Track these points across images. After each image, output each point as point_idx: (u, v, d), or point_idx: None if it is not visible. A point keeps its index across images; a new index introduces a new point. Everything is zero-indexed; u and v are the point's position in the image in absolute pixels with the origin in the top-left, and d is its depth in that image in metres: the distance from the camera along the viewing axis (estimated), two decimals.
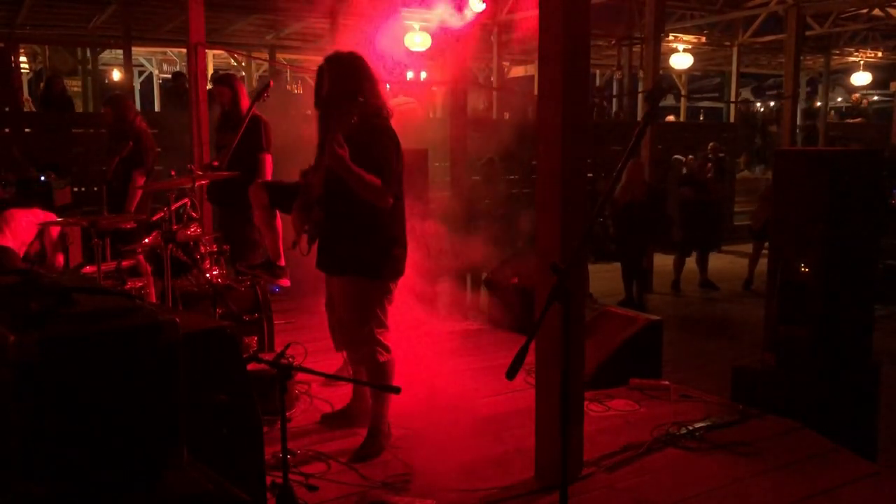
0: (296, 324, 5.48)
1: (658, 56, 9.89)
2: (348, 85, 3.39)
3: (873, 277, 4.51)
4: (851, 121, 18.18)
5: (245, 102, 5.56)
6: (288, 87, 12.46)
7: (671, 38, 14.63)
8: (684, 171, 10.68)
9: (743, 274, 9.42)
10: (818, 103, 18.47)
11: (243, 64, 15.36)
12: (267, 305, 4.67)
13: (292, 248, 3.65)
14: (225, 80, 5.87)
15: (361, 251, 3.46)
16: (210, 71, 11.02)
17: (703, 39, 15.59)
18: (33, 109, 11.56)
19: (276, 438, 3.01)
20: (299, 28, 12.79)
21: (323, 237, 3.55)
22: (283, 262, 4.64)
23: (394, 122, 3.55)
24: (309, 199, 3.56)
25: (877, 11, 13.55)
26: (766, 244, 7.16)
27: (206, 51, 6.98)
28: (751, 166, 17.28)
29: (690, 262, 9.23)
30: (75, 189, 7.22)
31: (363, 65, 3.46)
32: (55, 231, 5.43)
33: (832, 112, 17.68)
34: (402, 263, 3.59)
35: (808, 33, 13.18)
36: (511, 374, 2.11)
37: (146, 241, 4.59)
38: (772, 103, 21.66)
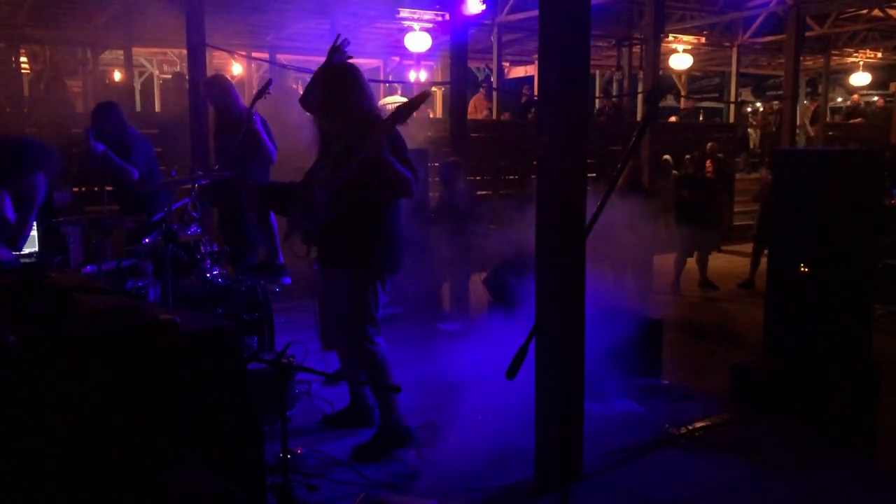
0: (296, 323, 5.47)
1: (658, 56, 9.88)
2: (343, 97, 3.53)
3: (873, 277, 4.52)
4: (851, 121, 18.15)
5: (239, 102, 5.53)
6: (290, 85, 12.43)
7: (671, 38, 14.62)
8: (674, 172, 10.60)
9: (743, 274, 9.41)
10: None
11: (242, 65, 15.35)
12: (267, 305, 4.67)
13: (285, 241, 3.68)
14: (216, 80, 5.82)
15: (361, 244, 3.50)
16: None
17: (703, 40, 15.57)
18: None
19: (276, 438, 3.02)
20: (300, 28, 12.79)
21: (325, 232, 3.55)
22: (281, 260, 4.65)
23: None
24: (312, 200, 3.55)
25: (876, 12, 13.55)
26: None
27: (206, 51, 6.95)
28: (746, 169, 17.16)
29: (690, 261, 9.22)
30: (76, 189, 7.20)
31: (357, 77, 3.58)
32: None
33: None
34: (398, 257, 3.63)
35: (807, 34, 13.17)
36: (511, 373, 2.12)
37: (147, 240, 4.60)
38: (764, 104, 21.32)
